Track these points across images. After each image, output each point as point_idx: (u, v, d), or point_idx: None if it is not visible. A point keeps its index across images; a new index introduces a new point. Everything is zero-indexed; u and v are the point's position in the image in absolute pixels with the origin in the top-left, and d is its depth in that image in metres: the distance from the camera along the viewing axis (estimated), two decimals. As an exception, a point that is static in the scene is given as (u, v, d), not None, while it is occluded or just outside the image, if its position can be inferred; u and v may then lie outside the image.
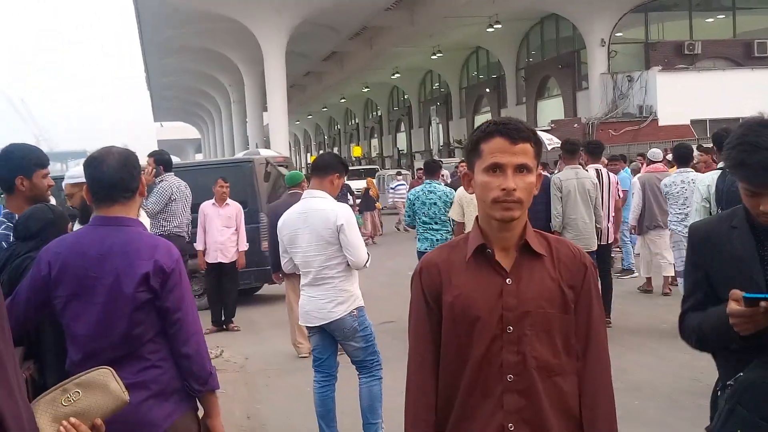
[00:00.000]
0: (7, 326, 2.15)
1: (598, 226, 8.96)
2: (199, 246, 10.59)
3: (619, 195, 10.00)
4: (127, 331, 2.92)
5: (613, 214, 9.48)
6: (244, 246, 10.85)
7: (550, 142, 23.29)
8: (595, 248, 8.84)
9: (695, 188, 6.89)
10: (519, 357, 2.27)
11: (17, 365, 2.19)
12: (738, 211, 2.64)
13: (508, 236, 2.32)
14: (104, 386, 2.46)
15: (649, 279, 11.40)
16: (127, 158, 3.13)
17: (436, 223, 9.09)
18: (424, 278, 2.40)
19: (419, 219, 9.20)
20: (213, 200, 10.68)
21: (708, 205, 6.43)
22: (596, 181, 9.09)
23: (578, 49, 35.94)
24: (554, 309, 2.29)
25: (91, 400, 2.42)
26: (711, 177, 6.51)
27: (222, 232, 10.62)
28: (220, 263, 10.69)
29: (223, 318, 10.93)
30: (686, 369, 7.12)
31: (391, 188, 27.72)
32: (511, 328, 2.27)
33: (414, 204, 9.27)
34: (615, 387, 2.41)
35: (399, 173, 30.11)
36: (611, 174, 9.87)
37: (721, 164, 6.52)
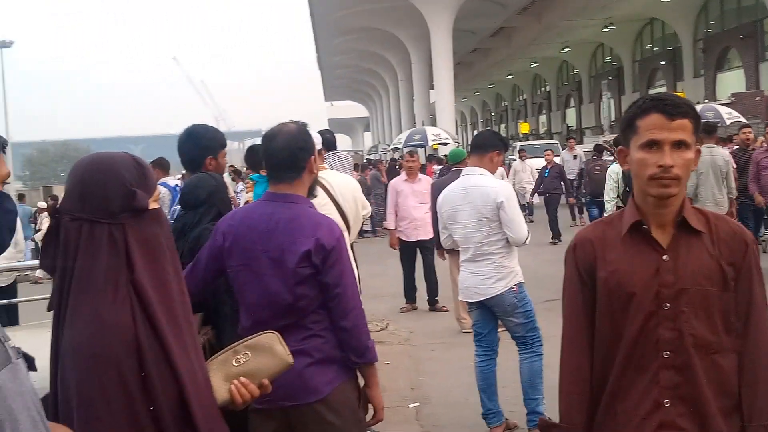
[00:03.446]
0: (186, 291, 2.35)
1: (730, 196, 9.88)
2: (390, 224, 10.24)
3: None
4: (291, 303, 3.04)
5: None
6: None
7: (729, 116, 22.10)
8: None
9: (607, 176, 10.40)
10: (675, 334, 2.24)
11: (193, 328, 2.39)
12: None
13: (665, 213, 2.29)
14: (270, 349, 2.61)
15: None
16: (295, 137, 3.21)
17: None
18: (578, 254, 2.41)
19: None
20: (404, 176, 10.39)
21: (617, 186, 10.01)
22: (728, 158, 10.10)
23: (761, 18, 33.86)
24: (713, 286, 2.25)
25: (258, 362, 2.57)
26: (618, 167, 10.02)
27: (417, 209, 9.98)
28: (421, 240, 10.08)
29: (428, 297, 10.45)
30: None
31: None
32: (668, 305, 2.25)
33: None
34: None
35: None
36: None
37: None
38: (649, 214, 2.31)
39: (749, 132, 11.15)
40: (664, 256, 2.27)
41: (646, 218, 2.31)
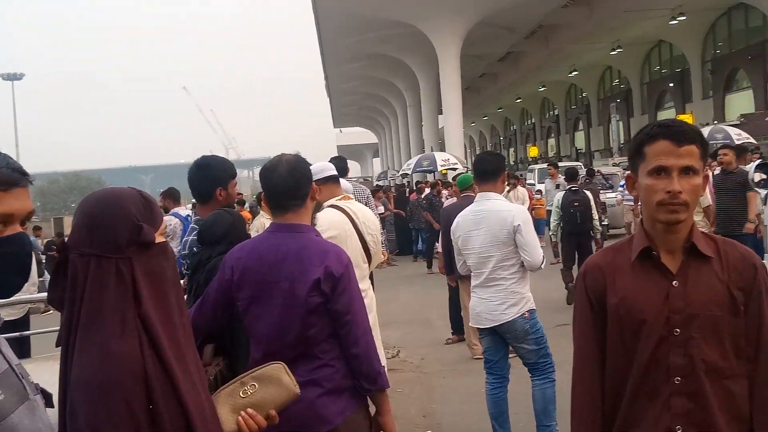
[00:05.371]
0: (189, 324, 2.35)
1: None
2: (441, 248, 9.69)
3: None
4: (301, 333, 3.03)
5: None
6: None
7: (739, 137, 22.05)
8: None
9: (553, 201, 11.97)
10: (686, 360, 2.23)
11: (198, 360, 2.38)
12: None
13: (674, 238, 2.29)
14: (277, 380, 2.61)
15: None
16: (295, 167, 3.24)
17: None
18: (588, 281, 2.41)
19: None
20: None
21: (558, 211, 11.56)
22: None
23: (769, 38, 33.92)
24: (723, 312, 2.24)
25: (265, 393, 2.57)
26: (561, 195, 11.79)
27: None
28: None
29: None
30: None
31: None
32: (678, 330, 2.24)
33: None
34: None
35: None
36: None
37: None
38: (658, 240, 2.30)
39: (726, 154, 10.28)
40: (674, 282, 2.27)
41: (656, 244, 2.31)
